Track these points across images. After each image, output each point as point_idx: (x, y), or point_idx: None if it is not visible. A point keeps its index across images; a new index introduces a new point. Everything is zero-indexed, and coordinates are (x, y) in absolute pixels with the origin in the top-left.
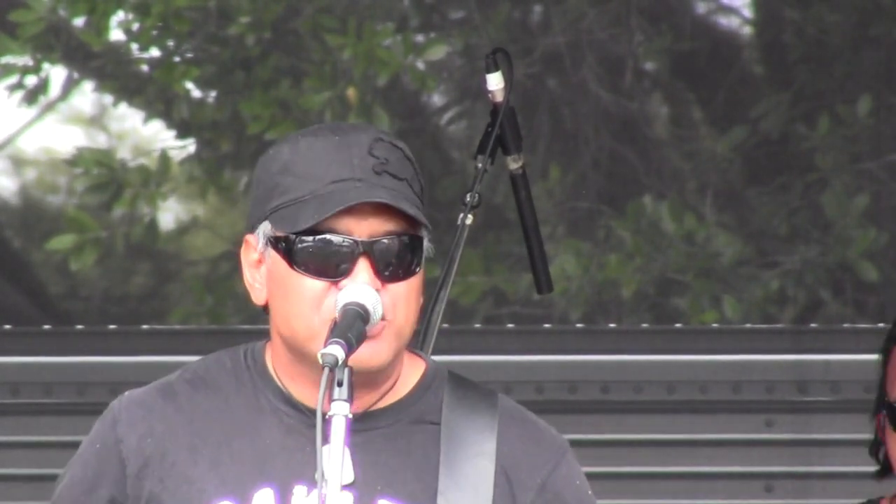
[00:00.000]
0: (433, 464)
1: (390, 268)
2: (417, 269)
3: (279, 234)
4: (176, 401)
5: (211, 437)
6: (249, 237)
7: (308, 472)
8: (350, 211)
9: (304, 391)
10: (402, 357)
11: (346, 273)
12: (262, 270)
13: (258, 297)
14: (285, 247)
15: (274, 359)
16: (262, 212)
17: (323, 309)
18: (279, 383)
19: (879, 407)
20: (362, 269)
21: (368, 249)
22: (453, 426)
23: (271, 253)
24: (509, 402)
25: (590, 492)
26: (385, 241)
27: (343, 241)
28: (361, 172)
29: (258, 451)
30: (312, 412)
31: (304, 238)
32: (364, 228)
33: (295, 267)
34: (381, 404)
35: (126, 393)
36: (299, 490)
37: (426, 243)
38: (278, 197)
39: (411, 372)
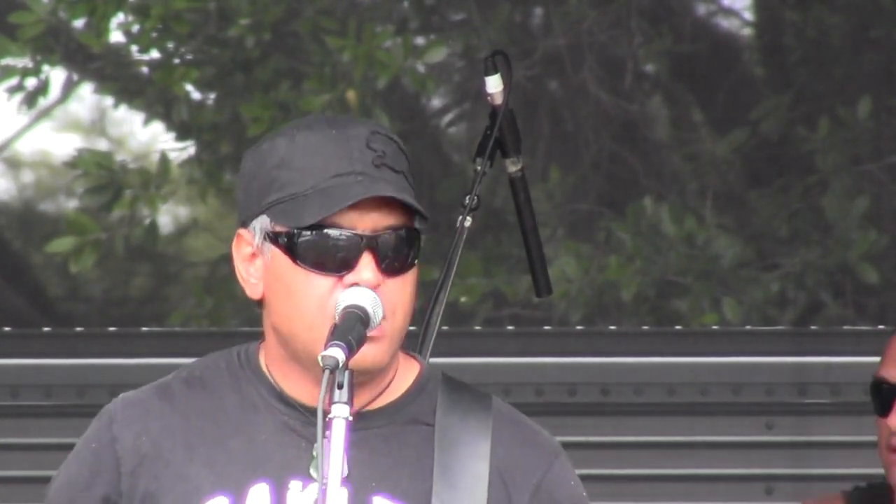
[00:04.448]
0: (427, 465)
1: (387, 260)
2: (414, 263)
3: (279, 229)
4: (172, 400)
5: (206, 435)
6: (243, 231)
7: (303, 467)
8: (353, 206)
9: (297, 388)
10: (398, 357)
11: (349, 268)
12: (256, 265)
13: (254, 292)
14: (287, 242)
15: (267, 356)
16: (259, 206)
17: (328, 307)
18: (272, 380)
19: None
20: (366, 263)
21: (372, 244)
22: (447, 428)
23: (270, 248)
24: (503, 404)
25: (584, 493)
26: (387, 234)
27: (347, 236)
28: (362, 166)
29: (253, 448)
30: (307, 409)
31: (307, 233)
32: (367, 223)
33: (298, 262)
34: (376, 404)
35: (122, 394)
36: (294, 485)
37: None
38: (277, 191)
39: (406, 373)
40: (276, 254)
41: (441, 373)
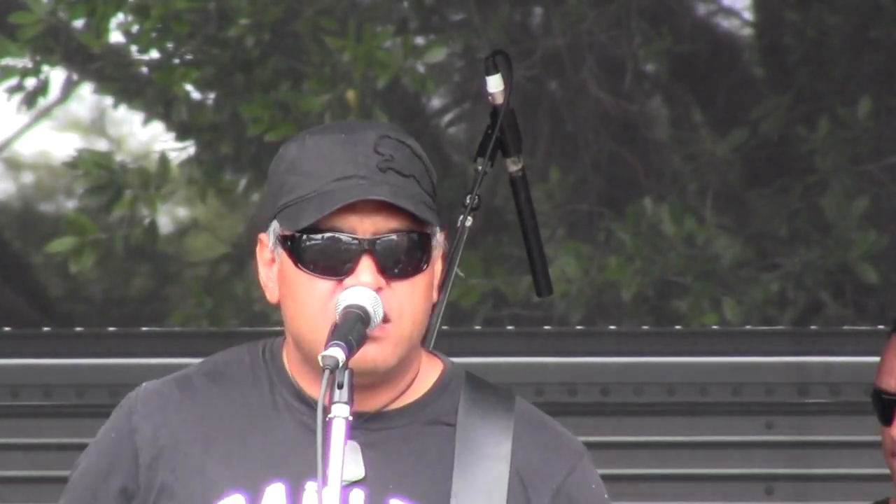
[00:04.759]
0: (447, 466)
1: (399, 265)
2: (425, 267)
3: (286, 232)
4: (193, 393)
5: (225, 430)
6: (263, 236)
7: None
8: (354, 209)
9: (312, 389)
10: (419, 357)
11: (349, 271)
12: (274, 269)
13: (272, 296)
14: (291, 245)
15: (288, 356)
16: (272, 210)
17: (329, 309)
18: (293, 379)
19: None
20: (365, 267)
21: (371, 247)
22: (469, 428)
23: (280, 251)
24: (526, 405)
25: (606, 496)
26: (389, 238)
27: (345, 239)
28: (366, 169)
29: (271, 447)
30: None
31: (310, 236)
32: (367, 226)
33: (300, 265)
34: (397, 404)
35: (144, 384)
36: (311, 486)
37: (437, 239)
38: (285, 195)
39: (429, 373)
40: (283, 257)
41: (465, 371)
